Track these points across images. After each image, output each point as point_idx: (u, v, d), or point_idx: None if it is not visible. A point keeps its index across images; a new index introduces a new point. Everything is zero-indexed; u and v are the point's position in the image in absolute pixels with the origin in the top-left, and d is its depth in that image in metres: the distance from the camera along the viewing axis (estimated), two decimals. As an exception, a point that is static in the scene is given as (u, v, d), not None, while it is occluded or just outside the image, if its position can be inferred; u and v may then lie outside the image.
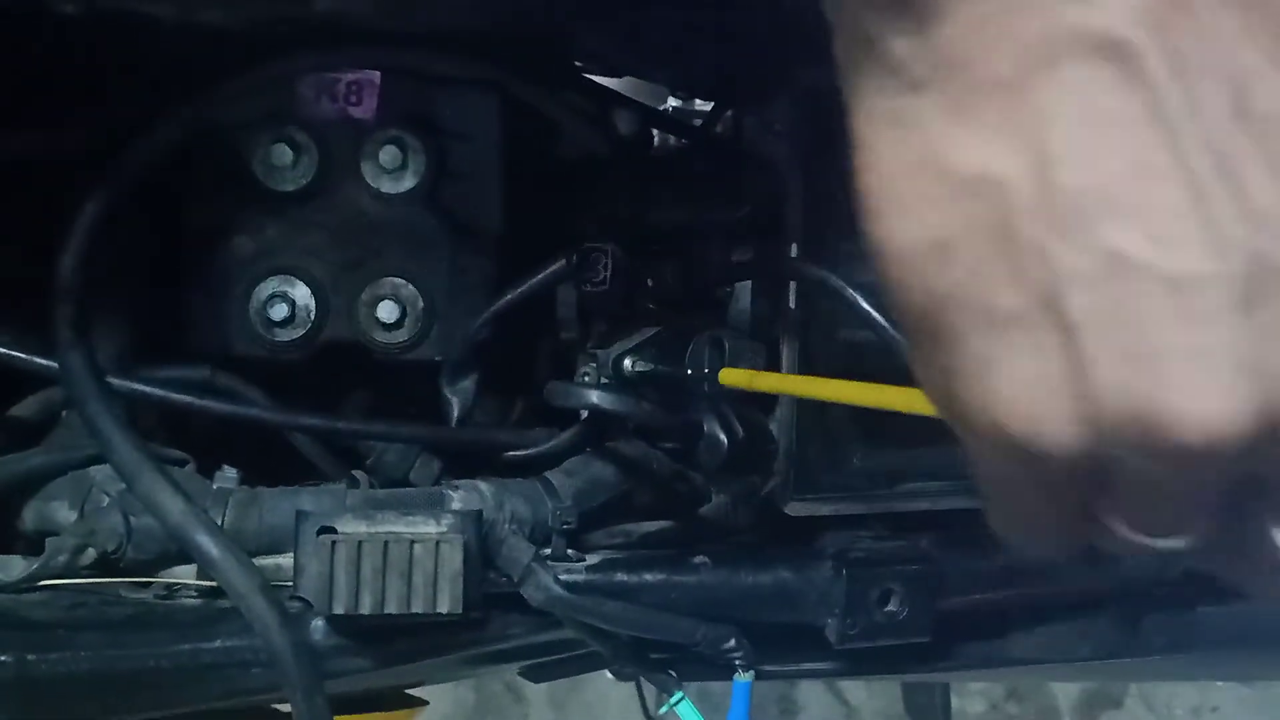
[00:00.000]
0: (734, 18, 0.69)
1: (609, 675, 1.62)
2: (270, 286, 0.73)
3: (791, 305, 0.72)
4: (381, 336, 0.73)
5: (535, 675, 0.82)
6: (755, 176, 0.75)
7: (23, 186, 0.69)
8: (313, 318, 0.73)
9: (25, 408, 0.66)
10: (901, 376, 0.65)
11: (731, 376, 0.66)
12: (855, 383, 0.51)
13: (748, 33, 0.69)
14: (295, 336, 0.73)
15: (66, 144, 0.68)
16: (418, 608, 0.57)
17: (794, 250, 0.72)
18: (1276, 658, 0.66)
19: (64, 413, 0.67)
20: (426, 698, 0.93)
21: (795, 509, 0.72)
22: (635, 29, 0.73)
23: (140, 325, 0.73)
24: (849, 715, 1.77)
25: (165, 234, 0.74)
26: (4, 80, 0.67)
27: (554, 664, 0.76)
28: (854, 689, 1.76)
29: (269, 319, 0.72)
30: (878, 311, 0.66)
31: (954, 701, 1.45)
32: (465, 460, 0.75)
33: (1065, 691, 1.79)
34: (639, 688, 1.79)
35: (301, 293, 0.73)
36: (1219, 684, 1.81)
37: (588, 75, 0.84)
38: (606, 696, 1.74)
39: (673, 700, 0.69)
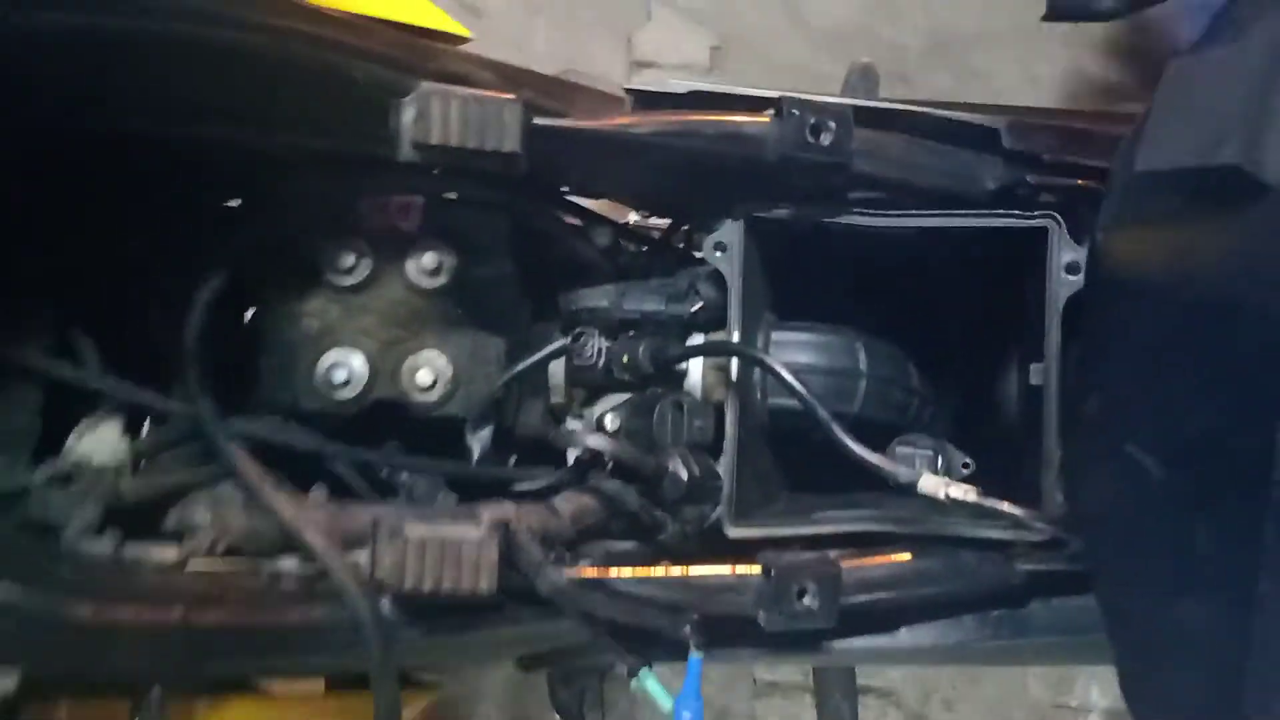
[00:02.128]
0: (687, 170, 0.94)
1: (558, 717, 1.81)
2: (332, 357, 0.94)
3: (733, 378, 0.95)
4: (419, 397, 0.95)
5: (528, 665, 1.02)
6: (705, 281, 0.99)
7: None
8: (365, 381, 0.94)
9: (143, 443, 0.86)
10: (821, 436, 0.89)
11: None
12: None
13: (704, 180, 0.94)
14: (351, 396, 0.94)
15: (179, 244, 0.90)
16: (464, 586, 0.77)
17: (735, 336, 0.95)
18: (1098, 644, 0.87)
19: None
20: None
21: (734, 532, 0.94)
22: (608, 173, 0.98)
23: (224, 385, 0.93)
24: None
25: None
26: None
27: (547, 654, 0.96)
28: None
29: (331, 382, 0.93)
30: (797, 384, 0.89)
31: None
32: (479, 492, 0.96)
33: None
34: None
35: (357, 362, 0.94)
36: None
37: (570, 198, 1.08)
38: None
39: (641, 675, 0.90)
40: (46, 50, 0.65)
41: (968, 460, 1.04)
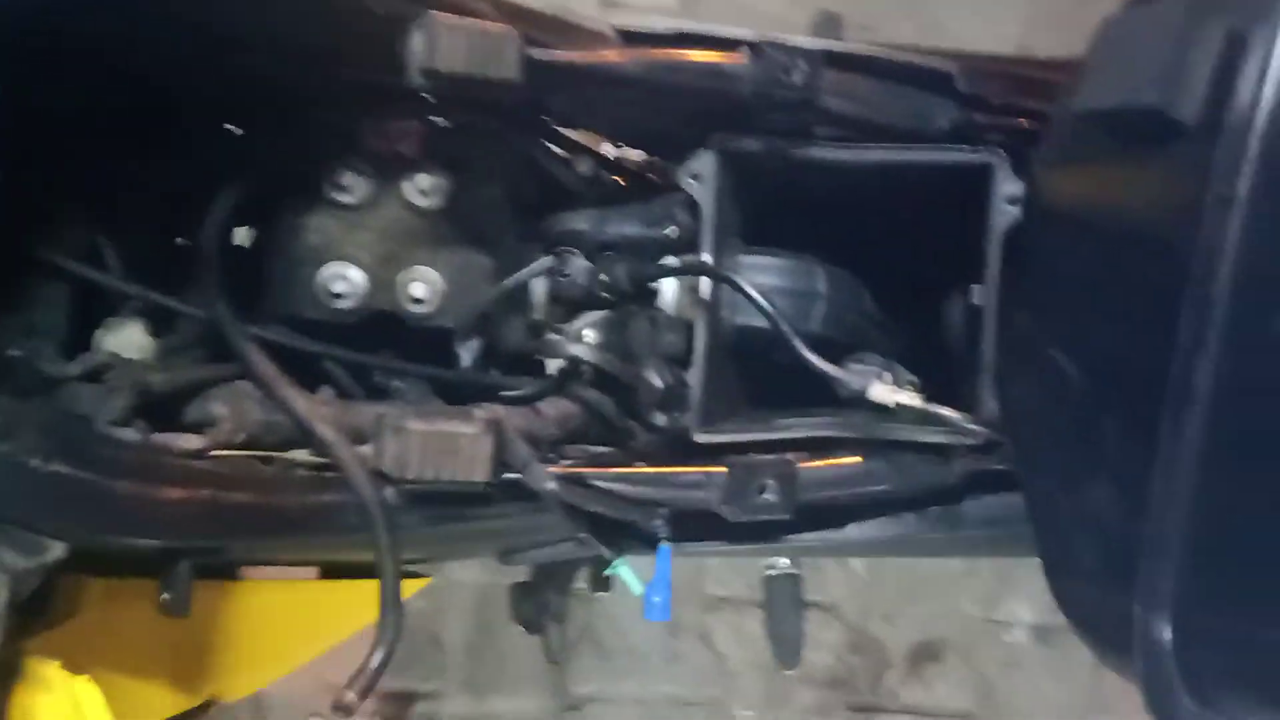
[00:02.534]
0: (669, 104, 1.01)
1: (519, 628, 1.93)
2: (332, 269, 1.01)
3: (704, 296, 1.04)
4: (412, 309, 1.02)
5: (509, 559, 1.11)
6: (680, 207, 1.06)
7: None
8: (363, 293, 1.01)
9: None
10: (781, 353, 0.98)
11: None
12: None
13: (683, 113, 1.01)
14: (349, 306, 1.01)
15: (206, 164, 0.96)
16: (461, 476, 0.86)
17: (707, 258, 1.03)
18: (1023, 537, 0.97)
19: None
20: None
21: (701, 438, 1.03)
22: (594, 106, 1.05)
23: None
24: (720, 664, 2.10)
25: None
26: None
27: (526, 548, 1.05)
28: (730, 642, 2.09)
29: (330, 292, 1.00)
30: (762, 300, 0.98)
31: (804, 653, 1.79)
32: (466, 399, 1.04)
33: (895, 645, 2.16)
34: (544, 638, 2.11)
35: (355, 274, 1.01)
36: (1023, 642, 2.20)
37: (555, 128, 1.14)
38: (516, 648, 2.02)
39: (615, 563, 0.99)
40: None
41: (913, 379, 1.13)
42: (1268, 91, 0.64)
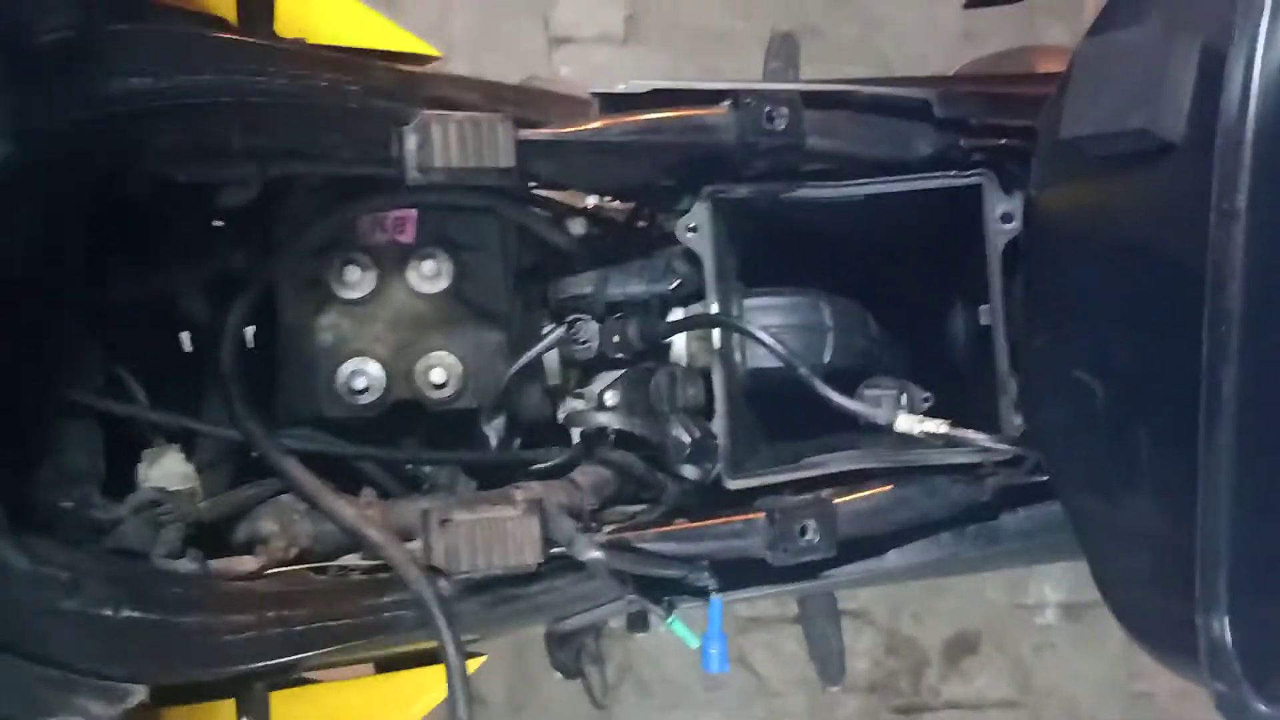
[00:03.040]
0: (655, 162, 1.03)
1: (559, 676, 1.94)
2: (351, 366, 1.02)
3: (716, 346, 1.05)
4: (434, 394, 1.04)
5: (560, 627, 1.12)
6: (680, 260, 1.08)
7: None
8: (383, 386, 1.02)
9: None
10: (796, 388, 0.99)
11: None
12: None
13: (670, 169, 1.03)
14: (371, 400, 1.02)
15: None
16: (512, 561, 0.87)
17: (714, 307, 1.05)
18: (1071, 543, 0.99)
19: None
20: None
21: (733, 484, 1.04)
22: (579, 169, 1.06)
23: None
24: (761, 685, 2.11)
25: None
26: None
27: (576, 614, 1.06)
28: (767, 663, 2.11)
29: (352, 389, 1.02)
30: (779, 347, 1.00)
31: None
32: (495, 477, 1.05)
33: (930, 643, 2.18)
34: (585, 682, 2.12)
35: (373, 368, 1.03)
36: (1053, 623, 2.23)
37: (540, 193, 1.16)
38: (557, 696, 2.02)
39: (669, 620, 1.00)
40: (114, 115, 0.72)
41: (927, 395, 1.15)
42: (1253, 105, 0.67)
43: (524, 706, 2.02)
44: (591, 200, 1.41)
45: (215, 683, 0.82)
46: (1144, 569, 0.77)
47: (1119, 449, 0.77)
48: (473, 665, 1.10)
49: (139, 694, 0.71)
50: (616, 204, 1.35)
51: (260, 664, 0.78)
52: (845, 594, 2.05)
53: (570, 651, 1.94)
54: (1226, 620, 0.69)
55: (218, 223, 1.03)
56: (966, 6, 0.95)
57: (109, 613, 0.70)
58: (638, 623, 1.52)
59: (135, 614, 0.71)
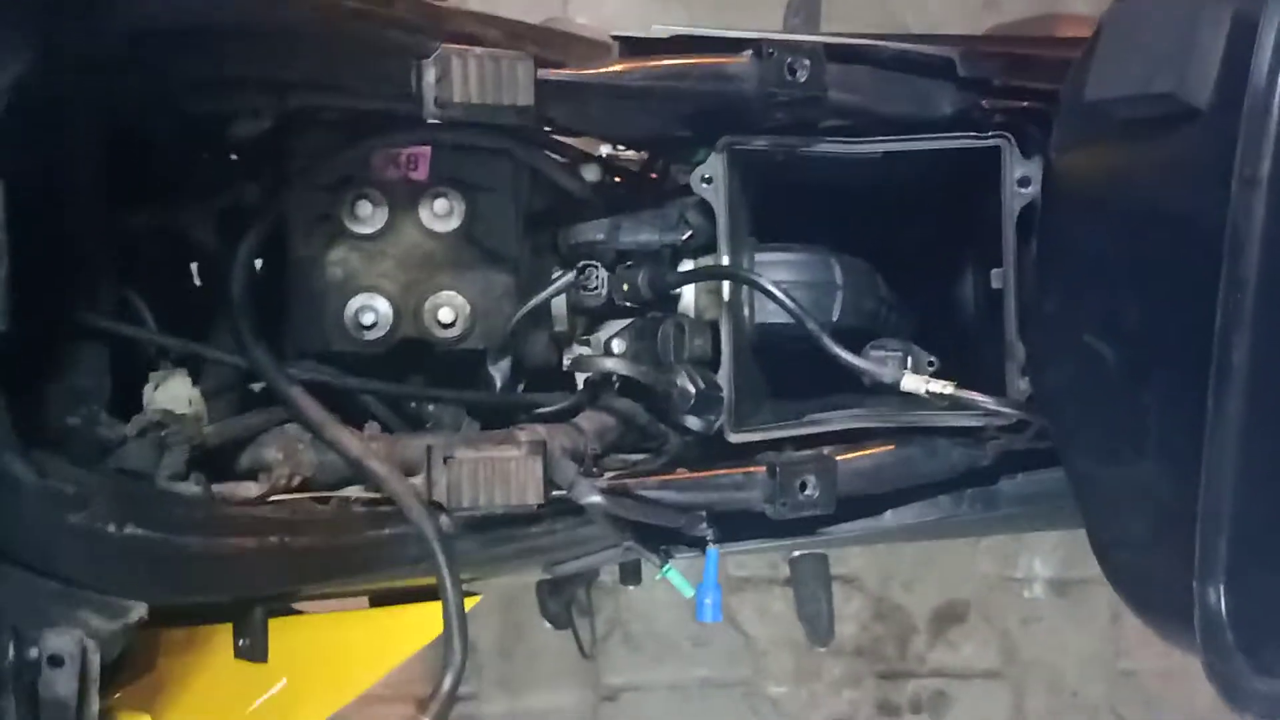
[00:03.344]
0: (675, 109, 1.02)
1: (548, 626, 1.95)
2: (359, 301, 1.02)
3: (725, 299, 1.05)
4: (441, 334, 1.03)
5: (555, 570, 1.13)
6: (693, 211, 1.08)
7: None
8: (391, 322, 1.02)
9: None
10: (812, 347, 0.99)
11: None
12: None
13: (689, 117, 1.02)
14: (379, 336, 1.02)
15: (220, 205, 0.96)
16: (514, 500, 0.87)
17: (725, 260, 1.05)
18: (1070, 510, 1.00)
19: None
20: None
21: (735, 438, 1.04)
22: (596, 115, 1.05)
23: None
24: (748, 644, 2.13)
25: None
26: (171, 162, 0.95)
27: (573, 558, 1.07)
28: (755, 622, 2.12)
29: (360, 324, 1.01)
30: (789, 301, 0.99)
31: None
32: (498, 419, 1.06)
33: (918, 611, 2.20)
34: (574, 632, 2.14)
35: (382, 305, 1.02)
36: (1041, 597, 2.24)
37: (557, 138, 1.15)
38: (547, 645, 2.04)
39: (664, 569, 1.01)
40: (137, 42, 0.72)
41: (933, 359, 1.15)
42: (1283, 73, 0.66)
43: (512, 654, 2.04)
44: (605, 149, 1.41)
45: (214, 606, 0.83)
46: (1144, 534, 0.78)
47: (1126, 413, 0.77)
48: (469, 603, 1.11)
49: (139, 611, 0.72)
50: (630, 154, 1.35)
51: (261, 589, 0.78)
52: (836, 559, 2.06)
53: (561, 602, 1.95)
54: (1222, 588, 0.69)
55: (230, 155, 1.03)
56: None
57: (113, 529, 0.70)
58: (630, 575, 1.53)
59: (139, 532, 0.71)
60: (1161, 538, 0.75)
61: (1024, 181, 0.99)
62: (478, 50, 0.87)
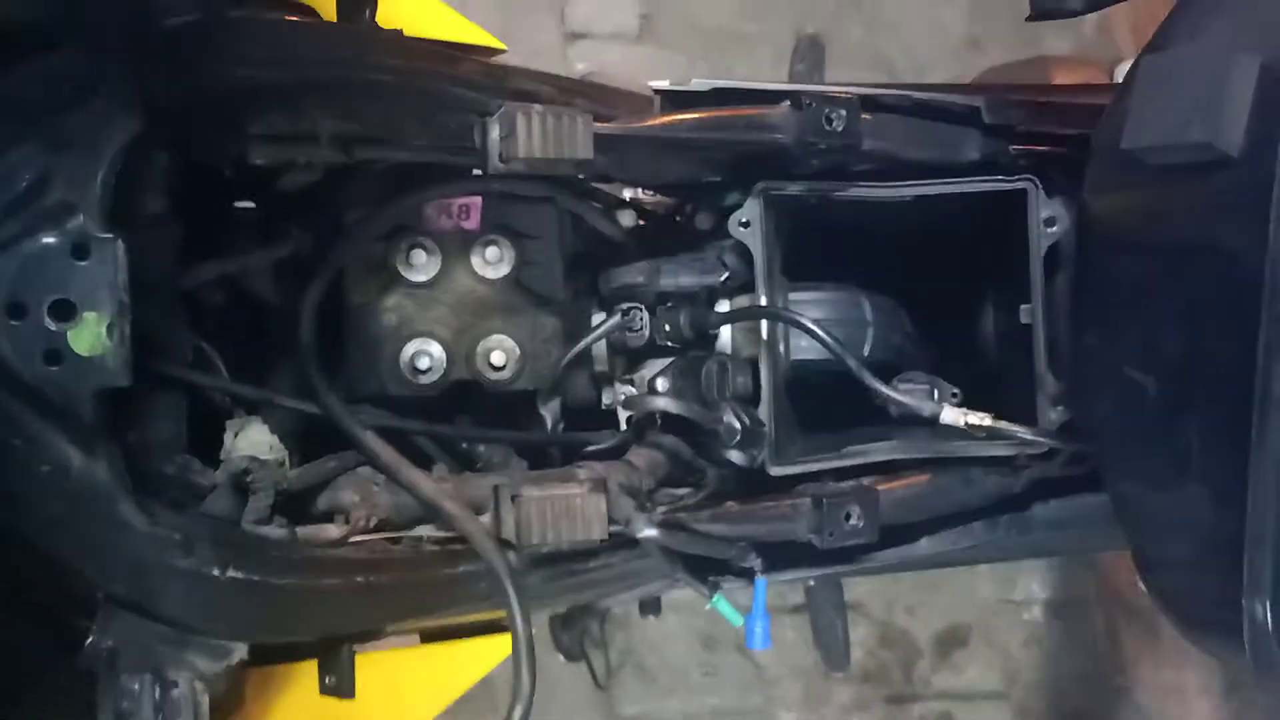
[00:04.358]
0: (713, 158, 1.07)
1: (561, 659, 1.98)
2: (414, 346, 1.05)
3: (764, 337, 1.09)
4: (492, 376, 1.07)
5: (606, 602, 1.16)
6: (730, 253, 1.12)
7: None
8: (444, 366, 1.05)
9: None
10: (842, 379, 1.03)
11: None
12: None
13: (728, 165, 1.07)
14: (433, 380, 1.05)
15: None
16: (580, 536, 0.91)
17: (763, 300, 1.09)
18: (1100, 534, 1.04)
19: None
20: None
21: (777, 471, 1.08)
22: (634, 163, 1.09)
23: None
24: (758, 673, 2.16)
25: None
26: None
27: (624, 590, 1.10)
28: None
29: (415, 368, 1.05)
30: (829, 339, 1.04)
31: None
32: (545, 458, 1.09)
33: (922, 635, 2.24)
34: (588, 664, 2.15)
35: (436, 349, 1.06)
36: (1040, 619, 2.29)
37: (594, 185, 1.19)
38: (560, 678, 2.06)
39: (714, 599, 1.04)
40: (222, 99, 0.75)
41: (955, 390, 1.20)
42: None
43: (529, 688, 2.05)
44: (628, 193, 1.46)
45: (303, 644, 0.85)
46: (1189, 555, 0.82)
47: (1169, 441, 0.82)
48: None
49: (240, 652, 0.74)
50: (653, 197, 1.39)
51: (347, 627, 0.81)
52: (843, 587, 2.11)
53: (574, 635, 1.98)
54: (1269, 603, 0.74)
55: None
56: (1029, 19, 0.99)
57: (217, 573, 0.73)
58: (650, 607, 1.56)
59: (239, 575, 0.74)
60: (1207, 558, 0.80)
61: (1049, 221, 1.04)
62: (539, 107, 0.91)
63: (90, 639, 0.69)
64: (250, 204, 1.04)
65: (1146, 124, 0.83)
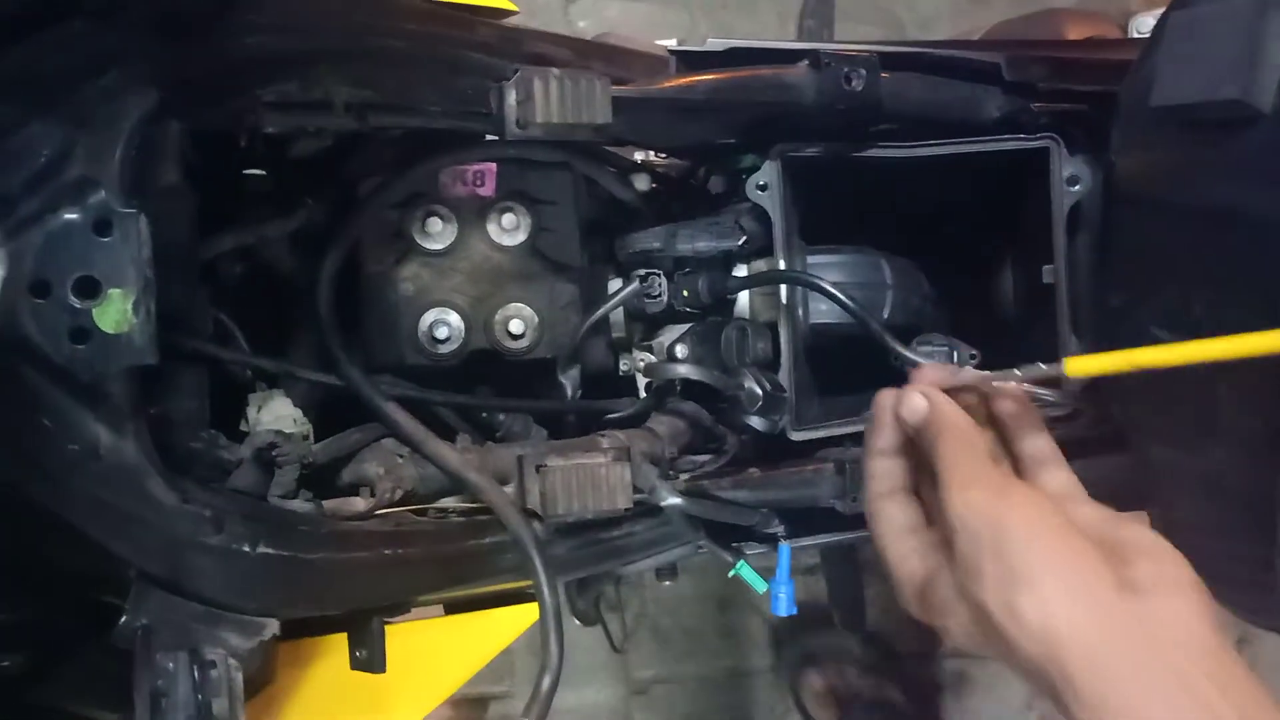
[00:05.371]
0: (731, 119, 1.05)
1: (577, 623, 1.99)
2: (432, 315, 1.04)
3: (783, 301, 1.09)
4: (511, 344, 1.06)
5: (626, 570, 1.16)
6: (747, 217, 1.11)
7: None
8: (462, 335, 1.05)
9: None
10: (860, 343, 1.02)
11: (1078, 365, 0.76)
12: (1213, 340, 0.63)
13: (746, 127, 1.05)
14: (452, 349, 1.05)
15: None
16: (605, 506, 0.90)
17: (781, 264, 1.08)
18: (1120, 494, 1.03)
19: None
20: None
21: (797, 436, 1.08)
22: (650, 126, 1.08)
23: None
24: (773, 631, 2.18)
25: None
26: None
27: (645, 557, 1.10)
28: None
29: (434, 338, 1.04)
30: (849, 302, 1.03)
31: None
32: (565, 426, 1.09)
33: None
34: (604, 628, 2.16)
35: (454, 318, 1.05)
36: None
37: (608, 149, 1.18)
38: (576, 642, 2.07)
39: (737, 566, 1.04)
40: (239, 68, 0.74)
41: (974, 353, 1.19)
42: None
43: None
44: (639, 156, 1.44)
45: (333, 617, 0.86)
46: (1218, 517, 0.82)
47: (1197, 403, 0.81)
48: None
49: (272, 628, 0.74)
50: (665, 160, 1.38)
51: (377, 601, 0.81)
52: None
53: (589, 599, 1.98)
54: (1303, 565, 0.74)
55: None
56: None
57: (248, 549, 0.73)
58: (666, 571, 1.56)
59: (270, 550, 0.74)
60: (1237, 520, 0.80)
61: (1072, 180, 1.03)
62: (556, 71, 0.90)
63: (124, 618, 0.69)
64: (260, 171, 1.03)
65: (1176, 81, 0.82)
